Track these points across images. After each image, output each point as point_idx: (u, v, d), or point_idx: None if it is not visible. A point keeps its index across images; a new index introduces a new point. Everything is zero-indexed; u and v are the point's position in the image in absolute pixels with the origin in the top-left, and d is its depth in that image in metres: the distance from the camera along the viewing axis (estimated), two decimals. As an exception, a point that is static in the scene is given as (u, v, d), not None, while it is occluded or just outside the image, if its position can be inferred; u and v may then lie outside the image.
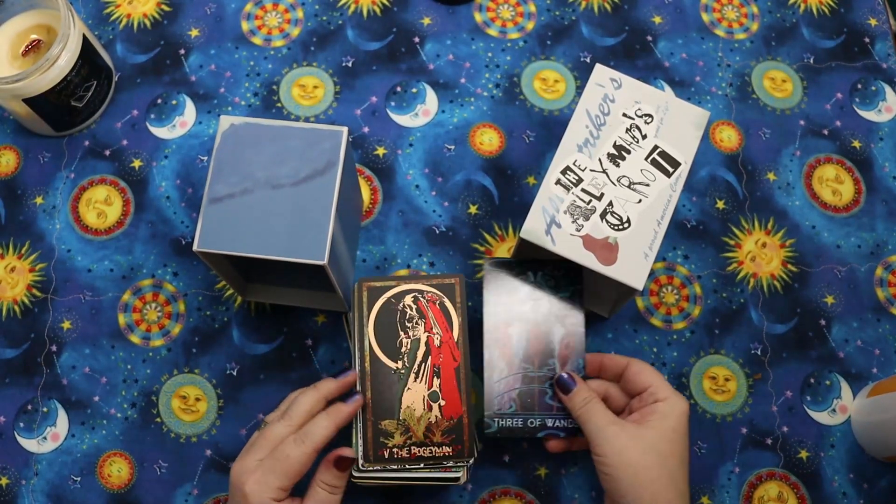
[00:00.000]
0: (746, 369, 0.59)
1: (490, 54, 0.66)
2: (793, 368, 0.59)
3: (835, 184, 0.64)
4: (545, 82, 0.65)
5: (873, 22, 0.68)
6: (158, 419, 0.57)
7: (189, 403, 0.57)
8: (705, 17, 0.68)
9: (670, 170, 0.52)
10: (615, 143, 0.52)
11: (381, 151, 0.63)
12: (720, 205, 0.63)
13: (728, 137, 0.64)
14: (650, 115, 0.52)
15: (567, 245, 0.50)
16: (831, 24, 0.68)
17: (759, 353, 0.59)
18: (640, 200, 0.51)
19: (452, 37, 0.66)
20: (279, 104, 0.64)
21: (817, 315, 0.60)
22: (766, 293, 0.61)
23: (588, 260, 0.50)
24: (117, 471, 0.56)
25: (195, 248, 0.46)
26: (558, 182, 0.51)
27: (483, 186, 0.62)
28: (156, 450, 0.56)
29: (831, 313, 0.61)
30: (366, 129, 0.64)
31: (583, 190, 0.51)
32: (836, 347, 0.60)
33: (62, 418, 0.57)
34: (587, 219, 0.50)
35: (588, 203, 0.51)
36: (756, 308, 0.60)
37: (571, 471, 0.56)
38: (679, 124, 0.52)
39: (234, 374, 0.57)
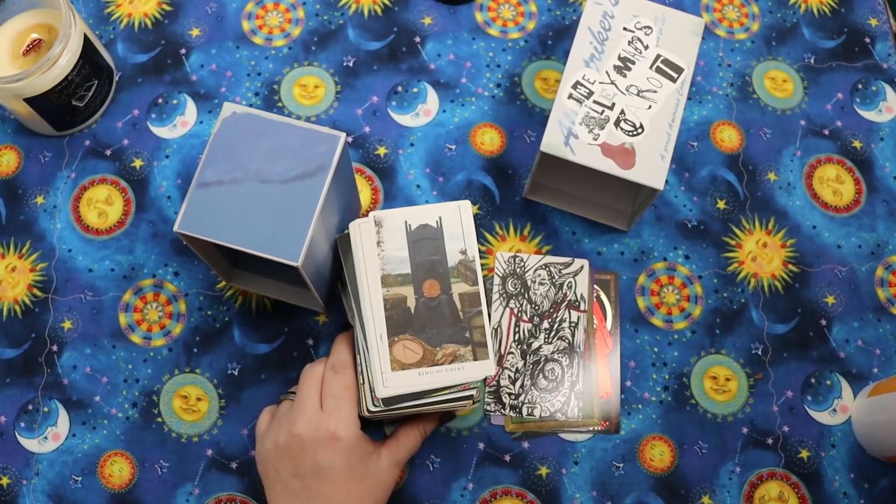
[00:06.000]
0: (747, 369, 0.58)
1: (491, 54, 0.65)
2: (793, 368, 0.58)
3: (835, 184, 0.63)
4: (546, 82, 0.65)
5: (874, 22, 0.67)
6: (159, 419, 0.56)
7: (190, 403, 0.56)
8: (706, 16, 0.67)
9: (675, 75, 0.53)
10: (619, 55, 0.53)
11: (382, 151, 0.62)
12: (721, 205, 0.62)
13: (729, 137, 0.64)
14: (649, 27, 0.54)
15: (586, 154, 0.51)
16: (832, 25, 0.67)
17: (759, 352, 0.59)
18: (649, 107, 0.52)
19: (453, 36, 0.66)
20: (280, 103, 0.63)
21: (818, 315, 0.60)
22: (766, 293, 0.60)
23: (608, 166, 0.51)
24: (118, 471, 0.56)
25: (176, 228, 0.46)
26: (570, 96, 0.52)
27: (484, 186, 0.62)
28: (157, 450, 0.56)
29: (832, 313, 0.60)
30: (367, 129, 0.63)
31: (595, 101, 0.52)
32: (836, 347, 0.59)
33: (63, 418, 0.56)
34: (602, 128, 0.52)
35: (601, 113, 0.52)
36: (757, 308, 0.60)
37: (572, 470, 0.56)
38: (677, 33, 0.54)
39: (236, 373, 0.57)
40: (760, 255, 0.61)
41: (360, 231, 0.49)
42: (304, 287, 0.56)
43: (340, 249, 0.51)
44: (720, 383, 0.58)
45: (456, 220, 0.50)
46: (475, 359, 0.48)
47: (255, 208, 0.46)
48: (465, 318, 0.48)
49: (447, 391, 0.48)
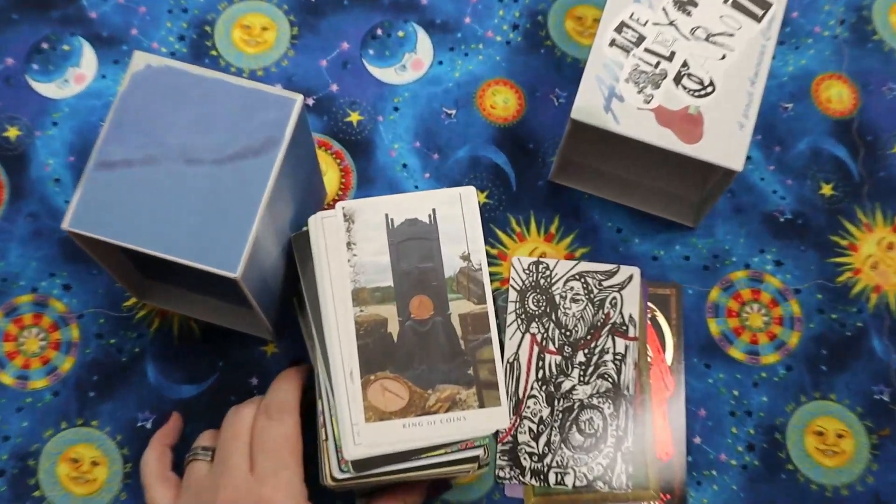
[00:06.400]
0: (868, 422, 0.55)
1: (505, -17, 0.64)
2: (936, 421, 0.56)
3: None
4: (581, 22, 0.63)
5: None
6: (38, 492, 0.53)
7: (83, 470, 0.53)
8: (803, -71, 0.66)
9: (759, 12, 0.52)
10: None
11: (354, 118, 0.60)
12: (826, 190, 0.60)
13: (838, 96, 0.61)
14: None
15: (635, 122, 0.50)
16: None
17: (886, 398, 0.56)
18: (723, 56, 0.51)
19: (454, -41, 0.64)
20: (214, 52, 0.61)
21: (970, 345, 0.57)
22: (894, 314, 0.57)
23: (665, 139, 0.50)
24: (-25, 568, 0.53)
25: (66, 225, 0.44)
26: (613, 43, 0.51)
27: (495, 166, 0.60)
28: (32, 537, 0.53)
29: None
30: (334, 88, 0.61)
31: (647, 50, 0.51)
32: None
33: None
34: (657, 86, 0.50)
35: (656, 66, 0.51)
36: (880, 335, 0.57)
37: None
38: None
39: (149, 426, 0.54)
40: (885, 260, 0.58)
41: (324, 228, 0.48)
42: (245, 306, 0.53)
43: (296, 253, 0.50)
44: (829, 442, 0.55)
45: (456, 212, 0.48)
46: (482, 405, 0.46)
47: (177, 198, 0.44)
48: (467, 349, 0.47)
49: (443, 451, 0.46)
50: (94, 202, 0.44)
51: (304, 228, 0.49)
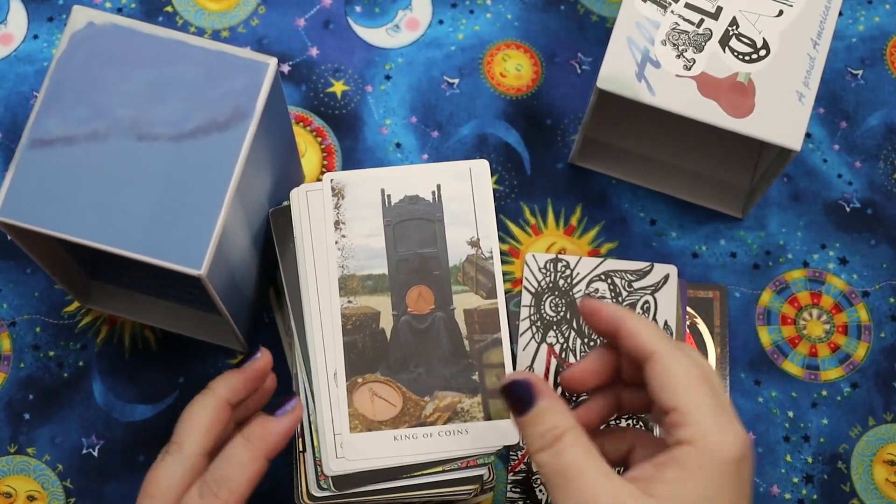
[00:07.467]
0: None
1: (518, -72, 0.65)
2: None
3: None
4: None
5: None
6: None
7: None
8: None
9: None
10: None
11: (339, 88, 0.61)
12: None
13: None
14: None
15: (673, 93, 0.50)
16: None
17: None
18: (779, 12, 0.51)
19: None
20: (169, 8, 0.62)
21: None
22: None
23: (709, 112, 0.50)
24: None
25: None
26: None
27: (506, 145, 0.60)
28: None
29: None
30: (314, 52, 0.62)
31: (688, 5, 0.51)
32: None
33: None
34: (700, 49, 0.51)
35: (699, 25, 0.51)
36: None
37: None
38: None
39: (95, 454, 0.55)
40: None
41: (308, 203, 0.48)
42: (211, 311, 0.54)
43: (275, 233, 0.50)
44: (905, 472, 0.57)
45: (465, 190, 0.49)
46: (487, 417, 0.46)
47: (129, 182, 0.44)
48: (473, 351, 0.47)
49: (440, 468, 0.46)
50: (29, 187, 0.44)
51: (286, 203, 0.49)
